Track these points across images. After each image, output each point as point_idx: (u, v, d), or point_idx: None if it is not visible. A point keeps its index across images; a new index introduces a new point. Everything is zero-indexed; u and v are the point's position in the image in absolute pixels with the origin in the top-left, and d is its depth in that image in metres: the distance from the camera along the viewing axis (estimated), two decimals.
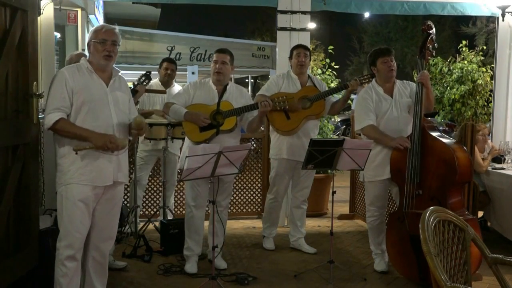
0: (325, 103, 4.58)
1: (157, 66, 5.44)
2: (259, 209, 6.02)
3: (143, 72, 4.28)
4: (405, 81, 4.28)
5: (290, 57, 4.70)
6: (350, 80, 4.55)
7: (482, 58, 8.15)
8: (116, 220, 3.23)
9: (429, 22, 4.03)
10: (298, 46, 4.69)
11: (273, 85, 4.61)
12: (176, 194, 5.75)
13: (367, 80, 4.46)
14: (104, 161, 3.00)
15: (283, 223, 5.54)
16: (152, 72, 4.41)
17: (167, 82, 5.19)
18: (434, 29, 4.04)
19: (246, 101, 4.16)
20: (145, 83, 4.22)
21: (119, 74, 3.21)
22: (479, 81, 7.76)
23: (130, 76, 14.15)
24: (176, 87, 5.24)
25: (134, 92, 4.11)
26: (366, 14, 20.89)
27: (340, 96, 4.80)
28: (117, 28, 3.16)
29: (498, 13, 5.95)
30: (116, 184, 3.11)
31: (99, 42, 3.03)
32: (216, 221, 3.95)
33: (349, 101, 5.01)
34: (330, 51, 6.59)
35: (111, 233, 3.22)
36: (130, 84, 4.10)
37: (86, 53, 3.50)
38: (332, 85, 6.13)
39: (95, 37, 3.05)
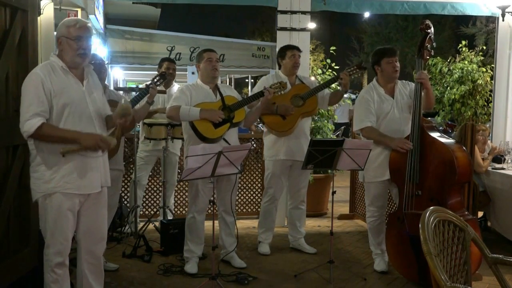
0: (317, 99, 4.56)
1: (157, 66, 5.43)
2: (259, 209, 6.00)
3: (158, 73, 4.25)
4: (404, 81, 4.27)
5: (282, 57, 4.62)
6: (340, 73, 4.52)
7: (482, 58, 8.14)
8: (105, 221, 3.14)
9: (427, 22, 3.99)
10: (293, 48, 4.63)
11: (264, 85, 4.56)
12: (176, 194, 5.75)
13: (355, 72, 4.47)
14: (90, 167, 2.89)
15: (283, 223, 5.54)
16: (151, 72, 4.40)
17: (168, 82, 5.18)
18: (432, 29, 4.01)
19: (237, 96, 4.25)
20: (158, 84, 4.20)
21: (91, 69, 3.04)
22: (479, 81, 7.75)
23: (130, 76, 14.17)
24: (176, 87, 5.24)
25: (147, 92, 4.11)
26: (366, 14, 20.91)
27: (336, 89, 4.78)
28: (89, 22, 3.06)
29: (498, 13, 5.95)
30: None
31: (74, 39, 2.83)
32: (230, 222, 4.22)
33: (348, 101, 5.00)
34: (332, 51, 6.58)
35: (102, 235, 3.12)
36: (131, 84, 4.09)
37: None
38: (333, 85, 6.12)
39: (68, 34, 2.84)
